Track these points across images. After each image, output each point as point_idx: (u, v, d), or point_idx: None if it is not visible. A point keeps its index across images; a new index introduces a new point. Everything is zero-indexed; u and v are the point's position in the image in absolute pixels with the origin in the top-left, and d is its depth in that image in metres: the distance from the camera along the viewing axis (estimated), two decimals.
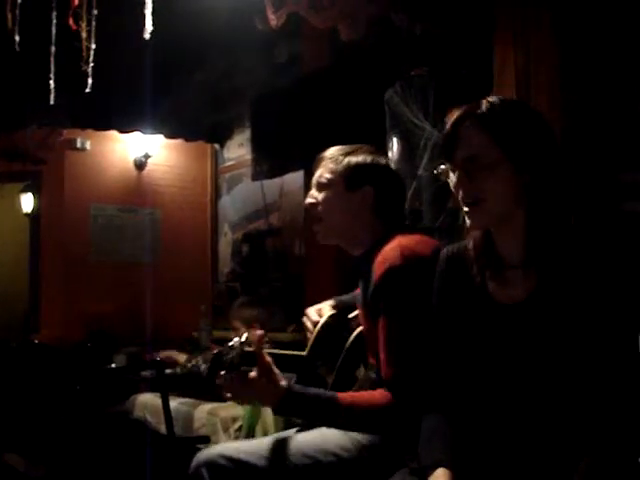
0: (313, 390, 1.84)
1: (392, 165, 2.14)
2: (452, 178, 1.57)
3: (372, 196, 2.03)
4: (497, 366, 1.54)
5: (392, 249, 1.88)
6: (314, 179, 2.11)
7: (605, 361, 1.45)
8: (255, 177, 5.95)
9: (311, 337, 2.10)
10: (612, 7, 3.46)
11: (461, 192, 1.54)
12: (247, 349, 1.83)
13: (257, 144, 5.84)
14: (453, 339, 1.63)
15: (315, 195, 2.09)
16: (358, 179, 2.04)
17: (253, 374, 1.77)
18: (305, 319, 2.22)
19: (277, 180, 5.88)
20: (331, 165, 2.07)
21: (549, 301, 1.49)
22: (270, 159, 5.65)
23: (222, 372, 1.83)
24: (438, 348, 1.68)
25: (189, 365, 4.34)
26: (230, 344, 1.85)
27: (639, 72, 3.49)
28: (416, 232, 2.05)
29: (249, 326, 4.55)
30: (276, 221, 6.20)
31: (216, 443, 3.92)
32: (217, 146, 7.03)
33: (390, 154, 3.71)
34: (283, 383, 1.79)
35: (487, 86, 3.41)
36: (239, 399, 1.95)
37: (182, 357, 4.53)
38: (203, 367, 4.22)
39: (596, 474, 1.40)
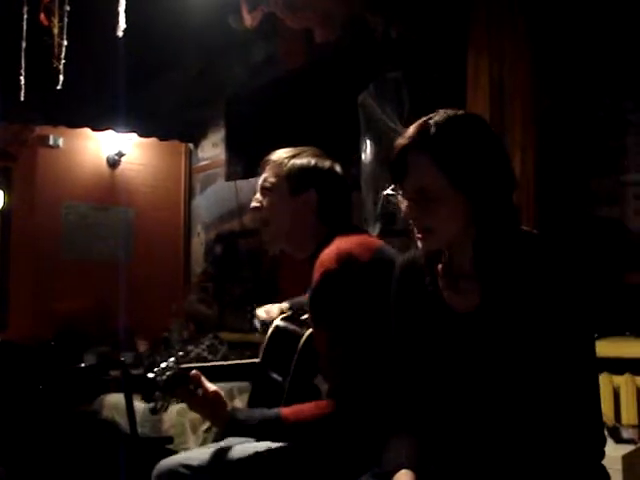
0: (257, 413, 1.81)
1: (337, 169, 2.08)
2: (403, 204, 1.54)
3: (315, 200, 2.02)
4: (454, 373, 1.54)
5: (328, 253, 1.87)
6: (259, 183, 2.09)
7: (561, 366, 1.44)
8: (229, 177, 5.94)
9: (263, 343, 2.09)
10: (586, 13, 3.49)
11: (411, 220, 1.53)
12: (182, 367, 1.82)
13: (231, 144, 5.83)
14: (410, 347, 1.62)
15: (259, 199, 2.08)
16: (302, 183, 2.02)
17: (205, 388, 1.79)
18: (255, 320, 2.21)
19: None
20: (275, 169, 2.06)
21: (498, 310, 1.49)
22: (244, 159, 5.64)
23: (157, 393, 1.81)
24: (396, 356, 1.67)
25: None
26: (163, 366, 1.83)
27: (613, 77, 3.53)
28: (360, 233, 2.03)
29: (197, 324, 4.55)
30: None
31: (184, 444, 3.91)
32: (191, 145, 7.00)
33: (364, 156, 3.72)
34: (227, 408, 1.79)
35: (461, 90, 3.42)
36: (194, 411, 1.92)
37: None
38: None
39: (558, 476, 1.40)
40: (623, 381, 3.08)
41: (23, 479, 3.77)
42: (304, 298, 2.25)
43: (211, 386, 1.82)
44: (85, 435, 4.21)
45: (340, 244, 1.89)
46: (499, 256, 1.50)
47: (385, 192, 1.60)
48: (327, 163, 2.07)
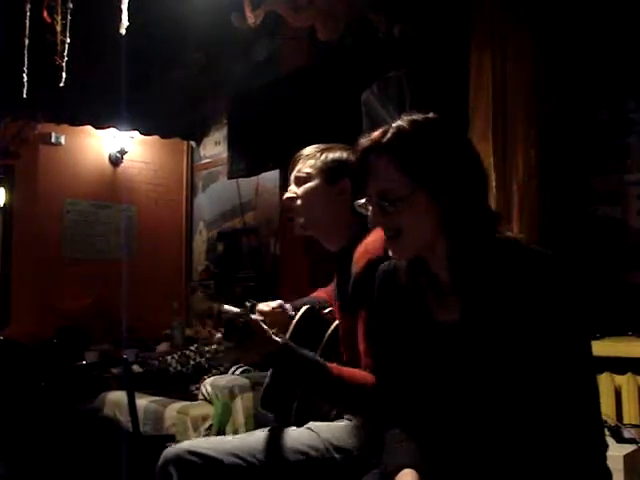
0: (310, 353, 1.82)
1: None
2: (369, 213, 1.52)
3: (351, 189, 2.04)
4: (443, 384, 1.52)
5: (374, 242, 1.87)
6: (292, 175, 2.12)
7: (549, 374, 1.41)
8: (231, 175, 5.94)
9: (289, 329, 2.09)
10: (589, 13, 3.48)
11: (379, 225, 1.51)
12: (254, 317, 1.82)
13: (233, 142, 5.83)
14: (398, 356, 1.61)
15: (294, 190, 2.10)
16: (337, 172, 2.05)
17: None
18: (262, 305, 2.22)
19: (253, 179, 5.87)
20: (310, 160, 2.08)
21: (480, 322, 1.46)
22: (246, 158, 5.64)
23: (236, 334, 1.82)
24: (386, 364, 1.65)
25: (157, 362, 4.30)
26: (238, 311, 1.83)
27: (616, 77, 3.52)
28: None
29: (203, 321, 4.54)
30: (251, 220, 6.19)
31: None
32: (193, 143, 7.00)
33: None
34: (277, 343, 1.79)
35: (464, 88, 3.42)
36: (243, 352, 1.90)
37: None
38: (174, 365, 4.21)
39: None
40: (625, 381, 3.08)
41: (24, 476, 3.78)
42: (305, 299, 2.27)
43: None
44: (86, 433, 4.21)
45: (382, 234, 1.90)
46: (476, 268, 1.45)
47: (356, 203, 1.56)
48: None
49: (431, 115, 1.52)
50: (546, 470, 1.39)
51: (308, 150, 2.12)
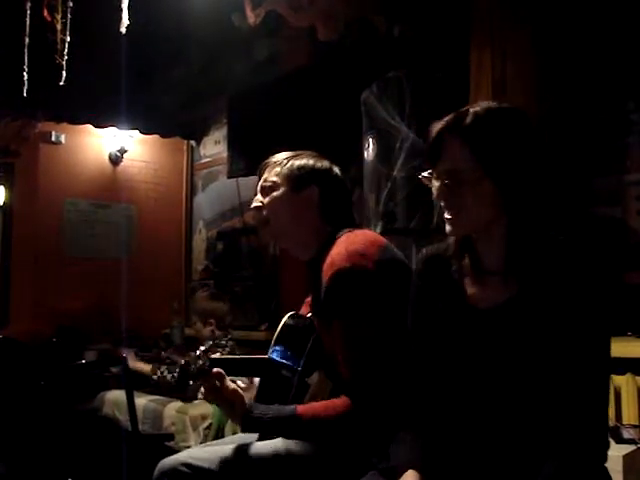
0: (273, 409, 1.82)
1: (336, 170, 2.10)
2: (434, 185, 1.56)
3: (317, 196, 2.02)
4: (472, 370, 1.54)
5: (338, 252, 1.86)
6: (259, 184, 2.09)
7: (576, 367, 1.45)
8: (231, 175, 5.94)
9: (274, 336, 2.09)
10: (589, 13, 3.48)
11: (442, 202, 1.54)
12: (213, 357, 1.84)
13: (233, 142, 5.82)
14: (429, 340, 1.62)
15: (260, 199, 2.08)
16: (303, 180, 2.03)
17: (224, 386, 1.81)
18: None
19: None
20: (276, 168, 2.06)
21: (526, 308, 1.49)
22: (246, 157, 5.64)
23: (190, 382, 1.84)
24: (411, 351, 1.66)
25: (155, 377, 4.29)
26: (196, 353, 1.84)
27: (615, 77, 3.52)
28: (363, 230, 2.04)
29: (205, 321, 4.55)
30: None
31: (185, 441, 3.91)
32: (193, 143, 7.00)
33: (366, 155, 3.71)
34: (245, 403, 1.81)
35: (464, 88, 3.42)
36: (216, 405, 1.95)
37: (147, 367, 4.48)
38: (169, 377, 4.20)
39: (560, 477, 1.40)
40: (624, 381, 3.08)
41: (24, 476, 3.78)
42: None
43: (230, 384, 1.83)
44: (86, 432, 4.21)
45: (348, 243, 1.89)
46: (531, 253, 1.51)
47: (420, 175, 1.60)
48: (326, 163, 2.08)
49: (506, 105, 1.58)
50: (549, 463, 1.41)
51: (275, 158, 2.10)
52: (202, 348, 1.87)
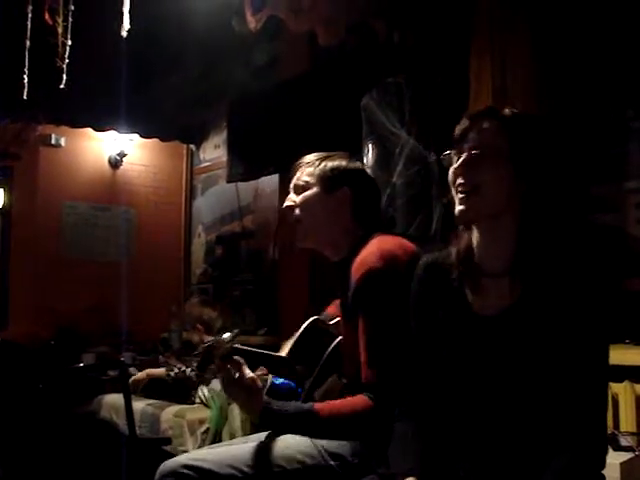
0: (291, 405, 1.84)
1: (368, 171, 2.15)
2: (456, 162, 1.57)
3: (350, 198, 2.04)
4: (475, 377, 1.54)
5: (371, 252, 1.88)
6: (292, 183, 2.12)
7: (578, 372, 1.45)
8: (230, 179, 5.94)
9: (293, 338, 2.09)
10: (588, 21, 3.49)
11: (460, 178, 1.55)
12: (236, 346, 1.84)
13: (233, 146, 5.83)
14: (430, 347, 1.63)
15: (293, 198, 2.09)
16: (336, 181, 2.05)
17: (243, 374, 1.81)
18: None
19: (252, 183, 5.87)
20: (309, 169, 2.08)
21: (528, 314, 1.49)
22: (246, 161, 5.64)
23: (212, 366, 1.84)
24: (415, 355, 1.67)
25: (172, 374, 4.30)
26: (222, 337, 1.85)
27: (615, 85, 3.53)
28: (394, 235, 2.05)
29: (194, 326, 4.56)
30: (250, 224, 6.19)
31: (182, 445, 3.90)
32: (193, 147, 7.01)
33: (365, 160, 3.71)
34: (263, 396, 1.82)
35: (463, 95, 3.42)
36: (230, 395, 1.94)
37: (159, 371, 4.48)
38: (188, 371, 4.21)
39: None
40: (622, 389, 3.08)
41: (21, 479, 3.77)
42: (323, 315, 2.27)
43: (249, 373, 1.83)
44: (83, 435, 4.20)
45: (381, 244, 1.91)
46: (538, 253, 1.52)
47: (443, 155, 1.63)
48: (358, 164, 2.12)
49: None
50: (548, 464, 1.41)
51: (308, 158, 2.12)
52: (229, 333, 1.88)
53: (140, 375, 4.49)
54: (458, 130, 1.59)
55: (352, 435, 1.83)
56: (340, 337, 2.04)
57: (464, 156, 1.55)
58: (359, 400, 1.81)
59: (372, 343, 1.83)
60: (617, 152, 3.50)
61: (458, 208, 1.55)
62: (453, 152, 1.59)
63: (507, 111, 1.57)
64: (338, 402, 1.84)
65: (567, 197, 3.47)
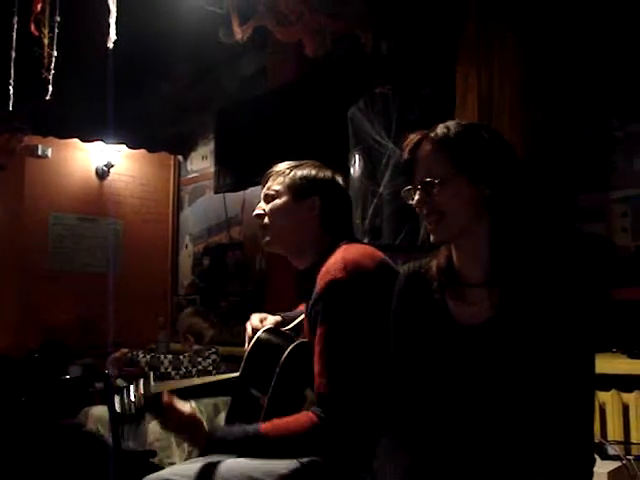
0: (236, 429, 1.80)
1: (340, 181, 2.13)
2: (415, 198, 1.58)
3: (319, 206, 2.04)
4: (456, 387, 1.54)
5: (335, 262, 1.87)
6: (262, 193, 2.12)
7: (561, 384, 1.45)
8: (218, 190, 5.94)
9: (243, 357, 2.07)
10: (574, 32, 3.51)
11: (423, 210, 1.56)
12: (147, 394, 1.82)
13: (221, 157, 5.83)
14: (413, 358, 1.62)
15: (263, 207, 2.09)
16: (305, 190, 2.04)
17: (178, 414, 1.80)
18: (247, 324, 2.19)
19: (239, 194, 5.87)
20: (279, 177, 2.08)
21: (511, 323, 1.49)
22: (233, 172, 5.64)
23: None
24: (395, 367, 1.66)
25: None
26: (126, 397, 1.82)
27: (600, 95, 3.55)
28: (362, 244, 2.05)
29: (184, 337, 4.55)
30: (237, 235, 6.19)
31: (169, 458, 3.88)
32: (180, 158, 7.00)
33: (352, 171, 3.72)
34: (205, 427, 1.80)
35: (450, 105, 3.44)
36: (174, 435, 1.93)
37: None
38: (166, 364, 4.20)
39: None
40: (609, 397, 3.09)
41: None
42: (295, 312, 2.25)
43: (186, 409, 1.82)
44: (69, 448, 4.17)
45: (346, 253, 1.89)
46: (516, 260, 1.52)
47: (402, 191, 1.63)
48: (329, 173, 2.10)
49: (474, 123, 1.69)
50: (535, 476, 1.41)
51: (279, 167, 2.11)
52: (132, 387, 1.84)
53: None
54: (404, 164, 1.62)
55: (302, 453, 1.80)
56: (292, 345, 1.97)
57: (419, 192, 1.57)
58: (304, 417, 1.77)
59: (326, 352, 1.80)
60: (603, 161, 3.52)
61: (431, 235, 1.58)
62: (409, 188, 1.60)
63: (438, 130, 1.58)
64: (285, 420, 1.80)
65: (551, 206, 3.49)
